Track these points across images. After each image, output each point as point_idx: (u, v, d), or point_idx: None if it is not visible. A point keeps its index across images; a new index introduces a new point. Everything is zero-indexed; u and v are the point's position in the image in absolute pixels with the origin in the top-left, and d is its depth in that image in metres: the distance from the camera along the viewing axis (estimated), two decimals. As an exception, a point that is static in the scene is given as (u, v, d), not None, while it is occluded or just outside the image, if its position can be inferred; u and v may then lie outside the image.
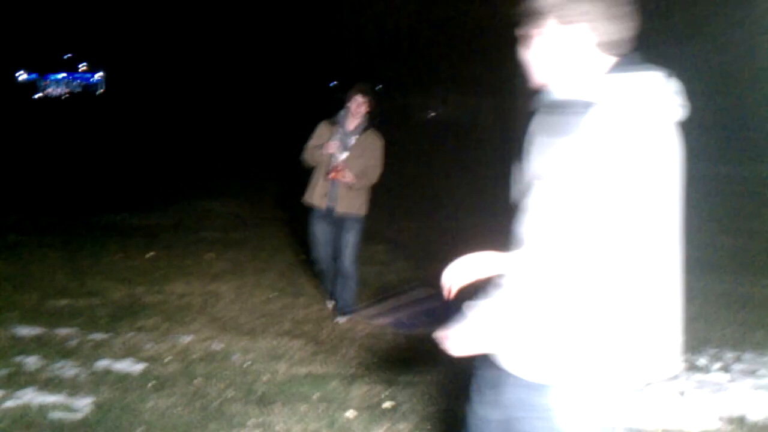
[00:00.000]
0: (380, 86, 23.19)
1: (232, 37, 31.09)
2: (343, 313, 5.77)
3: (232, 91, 34.04)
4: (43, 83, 66.06)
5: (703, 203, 13.00)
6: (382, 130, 5.67)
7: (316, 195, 5.65)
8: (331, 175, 5.44)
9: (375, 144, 5.63)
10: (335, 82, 32.26)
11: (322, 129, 5.68)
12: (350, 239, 5.67)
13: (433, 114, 33.80)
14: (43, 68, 65.05)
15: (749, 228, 10.19)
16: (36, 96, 59.83)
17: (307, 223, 5.83)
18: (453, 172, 16.04)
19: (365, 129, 5.60)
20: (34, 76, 65.27)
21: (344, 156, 5.51)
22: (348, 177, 5.43)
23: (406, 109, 29.39)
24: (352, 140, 5.57)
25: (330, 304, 6.01)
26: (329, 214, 5.64)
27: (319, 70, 30.14)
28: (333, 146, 5.46)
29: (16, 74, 60.35)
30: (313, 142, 5.64)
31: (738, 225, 10.50)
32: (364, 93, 5.56)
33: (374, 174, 5.62)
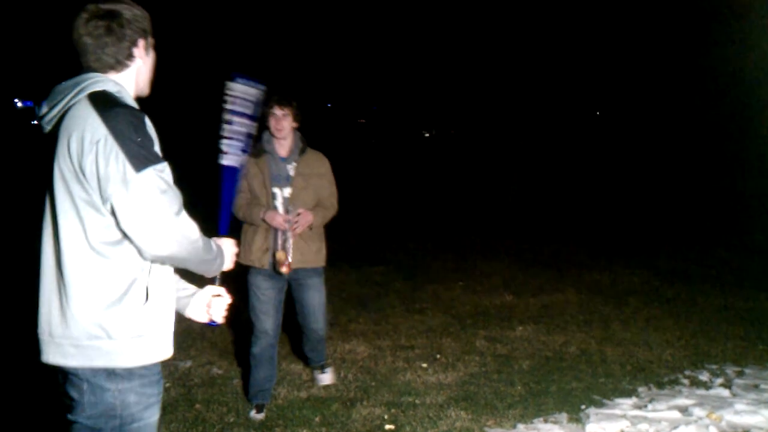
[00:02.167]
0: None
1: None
2: (324, 369, 4.87)
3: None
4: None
5: (702, 217, 13.05)
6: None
7: (255, 250, 4.25)
8: (288, 234, 4.15)
9: (322, 166, 4.39)
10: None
11: (246, 167, 4.05)
12: (316, 299, 4.49)
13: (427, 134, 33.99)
14: (38, 96, 65.18)
15: (749, 242, 10.20)
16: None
17: (246, 288, 4.36)
18: (452, 190, 16.08)
19: (302, 151, 4.31)
20: (28, 103, 65.45)
21: (286, 194, 4.25)
22: (303, 225, 4.18)
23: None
24: (290, 170, 4.28)
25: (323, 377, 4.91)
26: (276, 273, 4.26)
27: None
28: (280, 219, 4.14)
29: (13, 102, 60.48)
30: (240, 186, 3.82)
31: (737, 239, 10.52)
32: (282, 104, 4.18)
33: (332, 203, 4.41)
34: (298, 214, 4.15)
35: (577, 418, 4.32)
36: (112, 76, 2.15)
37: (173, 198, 2.02)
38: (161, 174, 2.01)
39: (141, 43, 2.19)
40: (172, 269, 2.21)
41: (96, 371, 2.06)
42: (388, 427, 4.20)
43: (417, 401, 4.57)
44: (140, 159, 1.97)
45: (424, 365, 5.27)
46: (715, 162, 23.03)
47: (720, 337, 5.89)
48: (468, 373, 5.11)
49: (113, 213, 1.99)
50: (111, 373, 2.06)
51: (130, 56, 2.17)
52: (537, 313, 6.69)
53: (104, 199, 1.98)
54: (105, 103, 2.02)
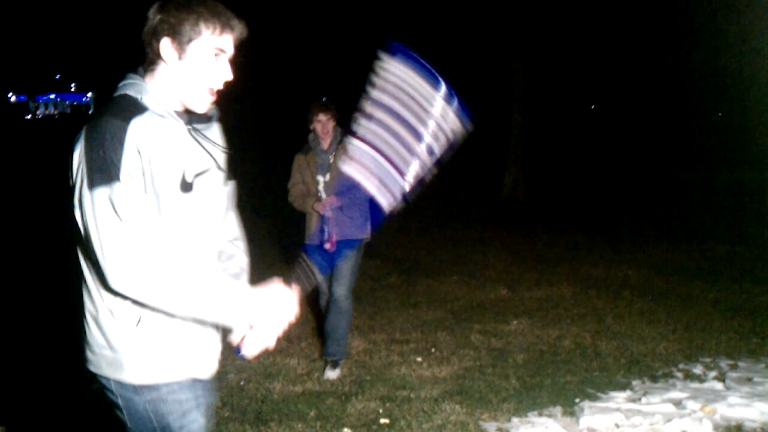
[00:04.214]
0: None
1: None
2: (336, 365, 5.07)
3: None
4: (33, 105, 65.99)
5: (696, 211, 13.06)
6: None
7: (312, 229, 5.07)
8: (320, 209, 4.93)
9: None
10: None
11: (298, 162, 5.10)
12: (345, 265, 5.07)
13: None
14: (32, 89, 65.01)
15: (742, 235, 10.23)
16: (38, 116, 59.86)
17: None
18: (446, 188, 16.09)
19: (340, 141, 5.03)
20: (22, 97, 65.21)
21: (327, 178, 5.00)
22: (324, 206, 4.90)
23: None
24: (330, 159, 5.03)
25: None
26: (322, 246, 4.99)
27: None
28: (319, 205, 4.93)
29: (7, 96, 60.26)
30: (294, 179, 5.09)
31: (732, 232, 10.54)
32: (325, 110, 5.00)
33: None
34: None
35: (571, 411, 4.34)
36: (153, 76, 1.98)
37: (132, 224, 1.79)
38: (116, 196, 1.79)
39: (167, 42, 1.94)
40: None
41: (121, 383, 1.96)
42: (383, 421, 4.21)
43: (412, 395, 4.58)
44: (98, 175, 1.79)
45: (419, 359, 5.28)
46: (708, 156, 23.07)
47: (714, 330, 5.91)
48: (463, 367, 5.12)
49: None
50: (136, 387, 1.95)
51: (157, 56, 1.96)
52: (532, 306, 6.70)
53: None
54: (107, 109, 1.89)
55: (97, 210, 1.78)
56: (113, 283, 1.80)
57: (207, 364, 2.08)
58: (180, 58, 1.95)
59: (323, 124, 4.97)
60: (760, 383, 4.70)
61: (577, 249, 9.52)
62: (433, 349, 5.50)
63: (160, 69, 1.98)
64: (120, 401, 1.99)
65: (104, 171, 1.79)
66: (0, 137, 26.93)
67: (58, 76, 67.30)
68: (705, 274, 7.97)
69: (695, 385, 4.75)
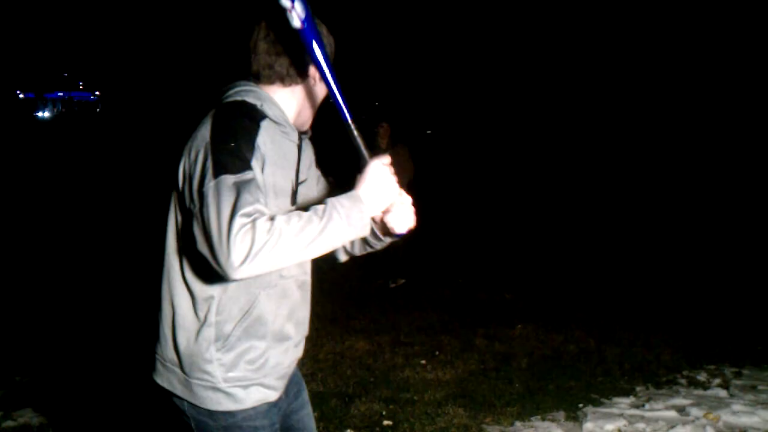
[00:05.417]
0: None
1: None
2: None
3: None
4: (41, 103, 66.29)
5: (704, 212, 12.94)
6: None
7: None
8: None
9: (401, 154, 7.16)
10: None
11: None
12: None
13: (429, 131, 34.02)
14: (40, 88, 65.27)
15: (746, 238, 10.20)
16: (49, 114, 60.12)
17: None
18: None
19: (391, 146, 7.28)
20: (30, 95, 65.46)
21: None
22: None
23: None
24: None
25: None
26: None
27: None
28: None
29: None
30: None
31: (734, 235, 10.51)
32: (383, 125, 7.40)
33: (408, 178, 7.17)
34: None
35: (574, 416, 4.34)
36: (276, 89, 1.96)
37: (255, 208, 1.66)
38: (244, 182, 1.70)
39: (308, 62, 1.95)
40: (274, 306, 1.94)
41: (197, 408, 1.91)
42: (386, 423, 4.22)
43: (415, 398, 4.59)
44: (229, 162, 1.72)
45: (423, 362, 5.28)
46: (713, 159, 23.00)
47: (718, 337, 5.90)
48: (467, 371, 5.12)
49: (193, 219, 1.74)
50: (212, 413, 1.90)
51: (304, 73, 1.96)
52: (536, 311, 6.70)
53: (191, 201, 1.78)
54: (228, 111, 1.85)
55: (222, 195, 1.66)
56: (233, 265, 1.61)
57: (281, 386, 2.02)
58: (314, 79, 1.98)
59: (381, 137, 7.34)
60: (764, 391, 4.70)
61: (582, 253, 9.51)
62: (437, 353, 5.51)
63: (300, 86, 1.98)
64: (192, 423, 1.94)
65: (234, 161, 1.72)
66: (10, 134, 27.05)
67: (65, 75, 67.54)
68: (711, 279, 7.95)
69: (699, 392, 4.75)
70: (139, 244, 8.94)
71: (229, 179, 1.68)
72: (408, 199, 1.93)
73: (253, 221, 1.62)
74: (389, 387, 4.78)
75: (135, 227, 9.97)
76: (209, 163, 1.72)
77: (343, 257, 2.19)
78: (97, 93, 67.91)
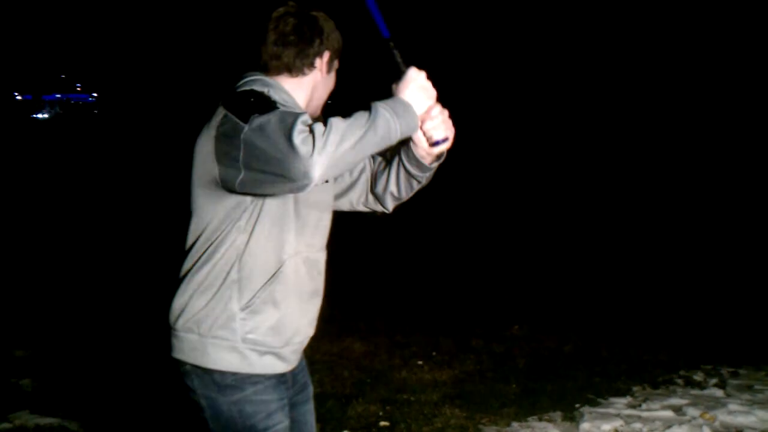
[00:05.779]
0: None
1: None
2: None
3: None
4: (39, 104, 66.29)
5: (700, 210, 12.94)
6: None
7: None
8: None
9: None
10: None
11: None
12: None
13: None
14: (37, 90, 65.26)
15: (743, 238, 10.21)
16: (48, 115, 60.20)
17: None
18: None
19: None
20: (28, 97, 65.43)
21: None
22: None
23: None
24: None
25: None
26: None
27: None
28: None
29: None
30: None
31: (731, 235, 10.53)
32: None
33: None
34: None
35: (571, 416, 4.34)
36: (283, 79, 2.01)
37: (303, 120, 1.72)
38: (280, 114, 1.74)
39: (326, 56, 2.03)
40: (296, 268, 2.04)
41: (206, 384, 1.94)
42: (383, 423, 4.22)
43: (412, 398, 4.59)
44: (246, 111, 1.77)
45: (420, 363, 5.29)
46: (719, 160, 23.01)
47: (715, 337, 5.91)
48: (464, 371, 5.12)
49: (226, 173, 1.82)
50: (221, 386, 1.93)
51: (310, 65, 2.01)
52: (533, 312, 6.70)
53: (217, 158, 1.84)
54: (237, 97, 1.88)
55: (267, 124, 1.71)
56: (304, 160, 1.65)
57: (294, 360, 2.08)
58: (327, 72, 2.06)
59: None
60: (760, 391, 4.70)
61: (579, 252, 9.51)
62: (434, 353, 5.51)
63: (308, 77, 2.03)
64: (203, 401, 1.97)
65: (262, 106, 1.78)
66: (8, 136, 27.04)
67: (63, 77, 67.54)
68: (707, 279, 7.96)
69: (696, 391, 4.76)
70: (139, 244, 8.95)
71: (264, 116, 1.73)
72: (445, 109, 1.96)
73: (309, 126, 1.69)
74: (386, 388, 4.77)
75: (134, 227, 9.99)
76: (234, 121, 1.78)
77: (390, 204, 2.20)
78: (94, 95, 67.95)
